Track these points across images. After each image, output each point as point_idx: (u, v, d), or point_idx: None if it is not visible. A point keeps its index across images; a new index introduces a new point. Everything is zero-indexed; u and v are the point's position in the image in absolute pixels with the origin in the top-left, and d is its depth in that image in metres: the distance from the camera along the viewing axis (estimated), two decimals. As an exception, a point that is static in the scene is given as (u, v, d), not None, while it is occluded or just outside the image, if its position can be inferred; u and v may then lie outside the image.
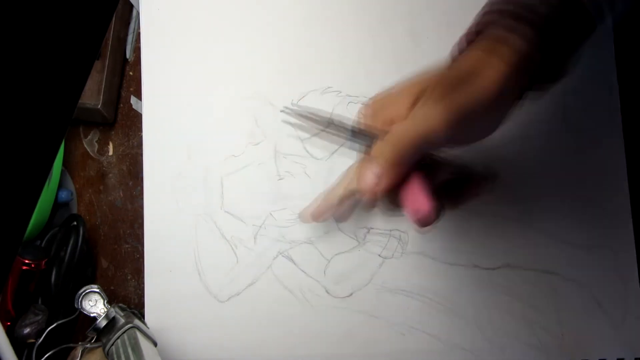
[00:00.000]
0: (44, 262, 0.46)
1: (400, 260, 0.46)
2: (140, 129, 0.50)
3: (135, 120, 0.51)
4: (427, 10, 0.48)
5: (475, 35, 0.35)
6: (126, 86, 0.52)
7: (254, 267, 0.47)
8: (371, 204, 0.36)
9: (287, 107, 0.39)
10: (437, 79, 0.33)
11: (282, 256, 0.46)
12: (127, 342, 0.40)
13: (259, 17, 0.49)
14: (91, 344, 0.43)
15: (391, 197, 0.35)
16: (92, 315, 0.43)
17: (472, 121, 0.32)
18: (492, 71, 0.32)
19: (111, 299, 0.49)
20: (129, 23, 0.52)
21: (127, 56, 0.52)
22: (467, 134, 0.34)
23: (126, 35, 0.52)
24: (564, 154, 0.47)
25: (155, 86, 0.49)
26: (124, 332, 0.41)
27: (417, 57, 0.48)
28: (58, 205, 0.50)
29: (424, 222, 0.33)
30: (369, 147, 0.35)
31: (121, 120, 0.52)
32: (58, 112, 0.27)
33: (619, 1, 0.34)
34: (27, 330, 0.44)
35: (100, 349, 0.42)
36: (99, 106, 0.49)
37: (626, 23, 0.48)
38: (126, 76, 0.52)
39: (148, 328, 0.45)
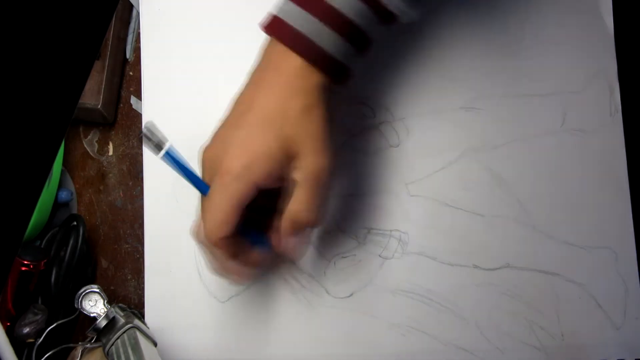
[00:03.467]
0: (43, 262, 0.46)
1: (401, 261, 0.46)
2: (140, 129, 0.50)
3: (135, 120, 0.51)
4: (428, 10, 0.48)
5: None
6: (126, 86, 0.52)
7: (254, 267, 0.46)
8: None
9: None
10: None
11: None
12: (127, 342, 0.40)
13: (260, 16, 0.49)
14: (91, 344, 0.43)
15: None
16: (92, 315, 0.43)
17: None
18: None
19: (111, 299, 0.49)
20: (129, 23, 0.52)
21: (127, 56, 0.52)
22: None
23: (126, 35, 0.52)
24: (564, 154, 0.47)
25: (155, 86, 0.49)
26: (124, 332, 0.41)
27: (417, 57, 0.48)
28: (58, 205, 0.50)
29: None
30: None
31: (121, 120, 0.52)
32: (58, 112, 0.27)
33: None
34: (27, 330, 0.44)
35: (100, 349, 0.42)
36: (99, 106, 0.49)
37: (626, 23, 0.48)
38: (126, 76, 0.52)
39: (148, 328, 0.45)
